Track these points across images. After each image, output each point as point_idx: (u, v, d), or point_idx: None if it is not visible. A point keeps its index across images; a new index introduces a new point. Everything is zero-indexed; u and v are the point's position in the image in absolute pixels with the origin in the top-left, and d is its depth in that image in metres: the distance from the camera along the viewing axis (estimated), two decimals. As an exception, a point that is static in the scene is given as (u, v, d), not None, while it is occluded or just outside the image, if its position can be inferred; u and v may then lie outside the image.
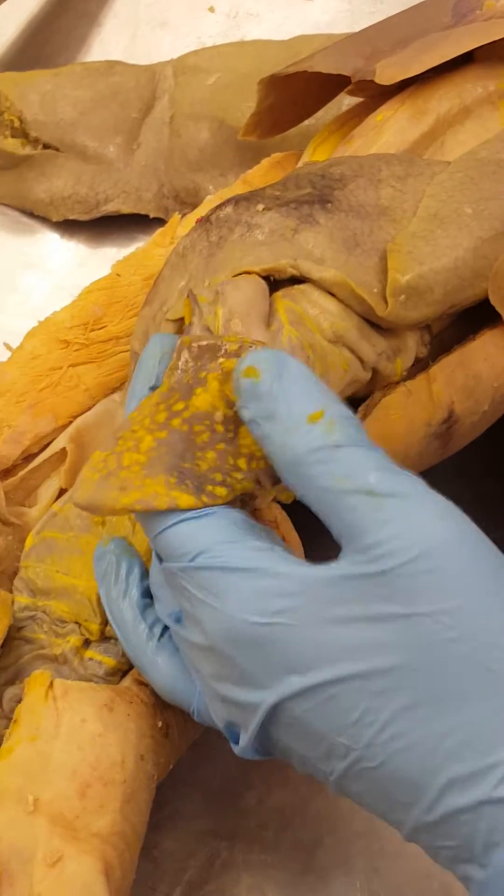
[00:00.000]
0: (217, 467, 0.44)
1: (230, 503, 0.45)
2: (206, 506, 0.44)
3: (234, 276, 0.53)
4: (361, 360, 0.53)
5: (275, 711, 0.43)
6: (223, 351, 0.46)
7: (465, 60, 0.64)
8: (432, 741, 0.39)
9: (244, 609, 0.42)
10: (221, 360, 0.46)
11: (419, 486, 0.42)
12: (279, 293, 0.53)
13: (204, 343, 0.47)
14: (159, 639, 0.51)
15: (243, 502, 0.48)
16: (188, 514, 0.44)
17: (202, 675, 0.47)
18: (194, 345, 0.47)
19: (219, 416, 0.45)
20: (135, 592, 0.52)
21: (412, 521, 0.40)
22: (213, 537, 0.43)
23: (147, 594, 0.52)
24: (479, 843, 0.39)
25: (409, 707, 0.40)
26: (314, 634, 0.41)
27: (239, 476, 0.45)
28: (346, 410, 0.44)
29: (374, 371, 0.55)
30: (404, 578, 0.40)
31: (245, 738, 0.45)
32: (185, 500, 0.43)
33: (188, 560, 0.43)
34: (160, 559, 0.46)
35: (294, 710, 0.42)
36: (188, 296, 0.51)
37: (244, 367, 0.44)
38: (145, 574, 0.53)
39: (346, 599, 0.41)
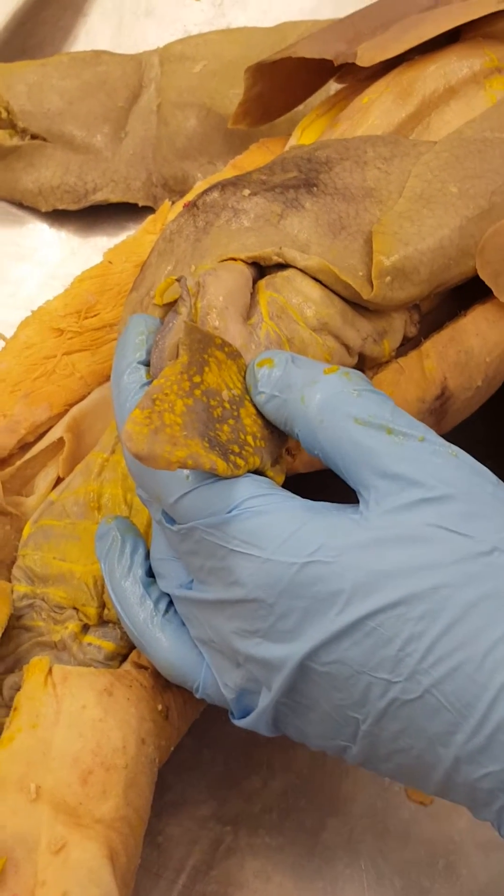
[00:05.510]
0: (233, 440, 0.46)
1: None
2: (234, 475, 0.45)
3: (220, 261, 0.53)
4: (347, 346, 0.54)
5: (307, 662, 0.43)
6: (214, 343, 0.48)
7: (450, 40, 0.64)
8: (480, 653, 0.40)
9: (284, 551, 0.43)
10: (215, 350, 0.48)
11: (430, 431, 0.46)
12: (263, 282, 0.53)
13: (203, 331, 0.48)
14: (164, 614, 0.51)
15: None
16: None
17: (217, 641, 0.47)
18: (196, 329, 0.48)
19: (225, 395, 0.47)
20: (139, 570, 0.52)
21: (430, 460, 0.44)
22: (249, 491, 0.45)
23: (150, 573, 0.52)
24: None
25: (452, 625, 0.40)
26: (352, 568, 0.42)
27: (250, 450, 0.47)
28: (354, 369, 0.48)
29: (361, 355, 0.55)
30: (433, 503, 0.43)
31: (266, 700, 0.46)
32: (222, 465, 0.44)
33: (225, 513, 0.45)
34: (173, 523, 0.47)
35: (330, 655, 0.43)
36: (178, 280, 0.52)
37: (261, 358, 0.48)
38: (148, 554, 0.53)
39: (376, 529, 0.43)
